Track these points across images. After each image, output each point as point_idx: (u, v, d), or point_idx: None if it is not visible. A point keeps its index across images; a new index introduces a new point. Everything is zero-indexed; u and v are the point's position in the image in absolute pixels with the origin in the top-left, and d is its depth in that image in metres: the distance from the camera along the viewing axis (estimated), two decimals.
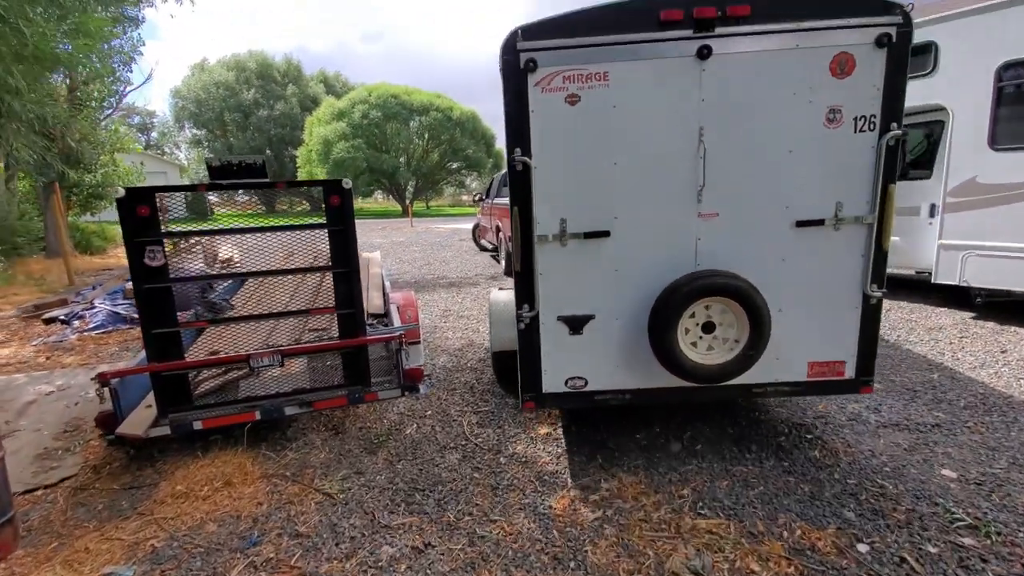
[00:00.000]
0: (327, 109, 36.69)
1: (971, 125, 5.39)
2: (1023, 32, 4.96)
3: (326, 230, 3.27)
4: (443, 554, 2.37)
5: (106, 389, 3.00)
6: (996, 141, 5.23)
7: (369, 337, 3.45)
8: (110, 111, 14.37)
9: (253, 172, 2.91)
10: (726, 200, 2.73)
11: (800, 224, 2.73)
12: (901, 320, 5.84)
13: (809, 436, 3.28)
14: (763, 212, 2.73)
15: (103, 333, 6.72)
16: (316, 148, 35.25)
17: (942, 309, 6.16)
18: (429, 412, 3.87)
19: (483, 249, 13.69)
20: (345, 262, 3.28)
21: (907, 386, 4.04)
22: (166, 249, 3.09)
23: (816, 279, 2.80)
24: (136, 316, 5.76)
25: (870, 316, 2.82)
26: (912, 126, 6.37)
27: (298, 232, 3.32)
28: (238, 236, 3.31)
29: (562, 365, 2.93)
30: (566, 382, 2.95)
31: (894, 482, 2.79)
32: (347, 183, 3.15)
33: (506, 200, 10.47)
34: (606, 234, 2.77)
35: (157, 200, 3.05)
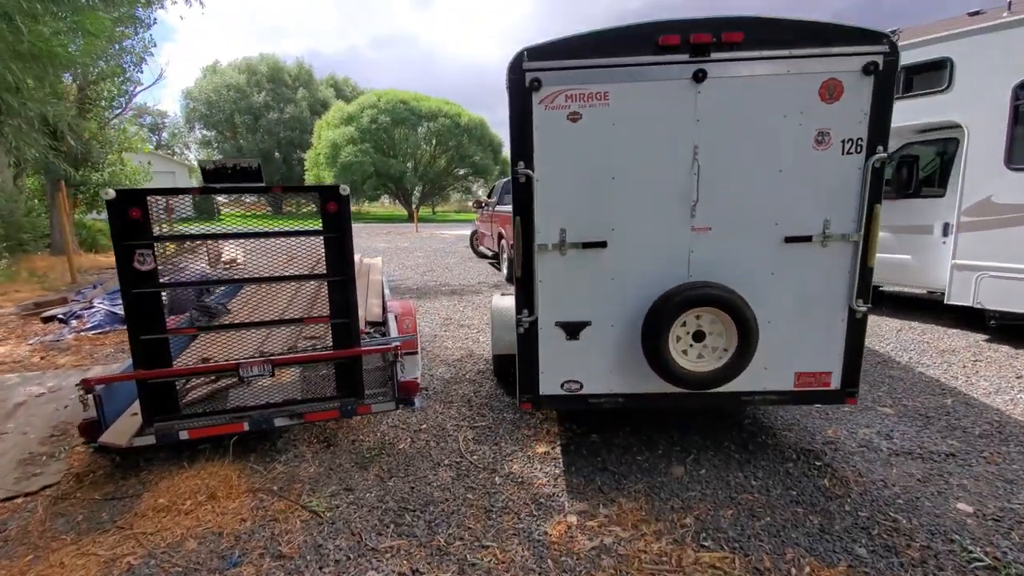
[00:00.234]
0: (336, 113, 36.87)
1: (987, 143, 5.26)
2: None
3: (322, 237, 3.18)
4: None
5: (90, 396, 2.91)
6: (1013, 160, 5.11)
7: (363, 348, 3.35)
8: (119, 111, 14.42)
9: (248, 176, 2.82)
10: (718, 215, 2.84)
11: (789, 240, 2.84)
12: (912, 341, 5.69)
13: (818, 463, 3.15)
14: (754, 227, 2.85)
15: (100, 333, 6.65)
16: (324, 151, 35.38)
17: (954, 331, 6.00)
18: (424, 426, 3.76)
19: (481, 256, 13.62)
20: (340, 270, 3.18)
21: (920, 411, 3.90)
22: (169, 248, 3.01)
23: (803, 293, 2.91)
24: None
25: (855, 330, 2.92)
26: (925, 143, 6.26)
27: (293, 238, 3.23)
28: (235, 239, 3.23)
29: (559, 368, 3.04)
30: (562, 385, 3.06)
31: (908, 516, 2.65)
32: (344, 189, 3.07)
33: (509, 208, 10.49)
34: (603, 245, 2.89)
35: (149, 203, 2.98)
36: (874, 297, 7.23)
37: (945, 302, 5.74)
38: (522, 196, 2.83)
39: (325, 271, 3.23)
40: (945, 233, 5.81)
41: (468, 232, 15.39)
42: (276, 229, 3.17)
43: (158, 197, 3.02)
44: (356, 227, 30.27)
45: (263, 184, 2.92)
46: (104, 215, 16.31)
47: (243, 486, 2.99)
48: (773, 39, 2.65)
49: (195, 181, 35.29)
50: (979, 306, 5.42)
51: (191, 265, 4.50)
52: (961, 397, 4.16)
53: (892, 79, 2.67)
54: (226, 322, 4.06)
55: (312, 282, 4.66)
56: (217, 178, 2.80)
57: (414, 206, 38.05)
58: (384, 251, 15.88)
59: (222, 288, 4.98)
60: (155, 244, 2.98)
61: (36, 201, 14.81)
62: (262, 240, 3.23)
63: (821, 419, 3.77)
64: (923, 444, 3.40)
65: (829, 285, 2.88)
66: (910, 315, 6.73)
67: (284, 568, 2.35)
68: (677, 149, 2.79)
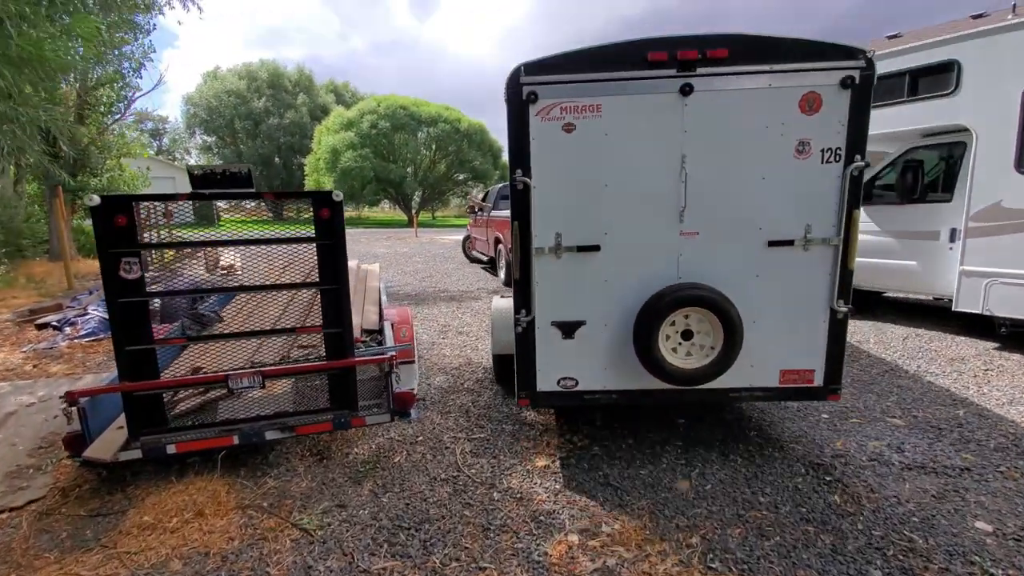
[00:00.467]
0: (336, 119, 36.88)
1: (996, 147, 5.17)
2: None
3: (314, 244, 3.08)
4: None
5: (74, 409, 2.81)
6: (1023, 164, 5.01)
7: (357, 359, 3.25)
8: (118, 116, 14.38)
9: (237, 181, 2.73)
10: (705, 220, 2.99)
11: (772, 244, 2.98)
12: (920, 349, 5.58)
13: (828, 478, 3.04)
14: (739, 232, 2.99)
15: (94, 340, 6.55)
16: (324, 157, 35.36)
17: (963, 338, 5.89)
18: (421, 437, 3.65)
19: (474, 261, 13.56)
20: (334, 279, 3.09)
21: (931, 423, 3.79)
22: (168, 255, 2.92)
23: (787, 294, 3.05)
24: None
25: (837, 329, 3.06)
26: (930, 147, 6.17)
27: (285, 246, 3.13)
28: (223, 246, 3.14)
29: (555, 366, 3.18)
30: (558, 382, 3.20)
31: (924, 535, 2.54)
32: (338, 195, 2.98)
33: (505, 213, 10.52)
34: (597, 248, 3.04)
35: (141, 208, 2.89)
36: (875, 303, 7.17)
37: (953, 309, 5.62)
38: (520, 202, 2.96)
39: (318, 279, 3.13)
40: (952, 239, 5.70)
41: None
42: (266, 236, 3.07)
43: (145, 203, 2.93)
44: (356, 232, 30.19)
45: (253, 190, 2.83)
46: None
47: (232, 502, 2.88)
48: (755, 55, 2.80)
49: None
50: (989, 313, 5.31)
51: (188, 271, 4.41)
52: (973, 408, 4.04)
53: (869, 92, 2.81)
54: (218, 330, 3.96)
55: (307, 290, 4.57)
56: (205, 183, 2.71)
57: (414, 211, 37.98)
58: (383, 256, 15.81)
59: (213, 296, 4.89)
60: (145, 251, 2.90)
61: (37, 207, 14.75)
62: (258, 246, 3.14)
63: (829, 431, 3.66)
64: (936, 458, 3.28)
65: (811, 287, 3.02)
66: (915, 322, 6.63)
67: None
68: (666, 158, 2.93)
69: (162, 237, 3.23)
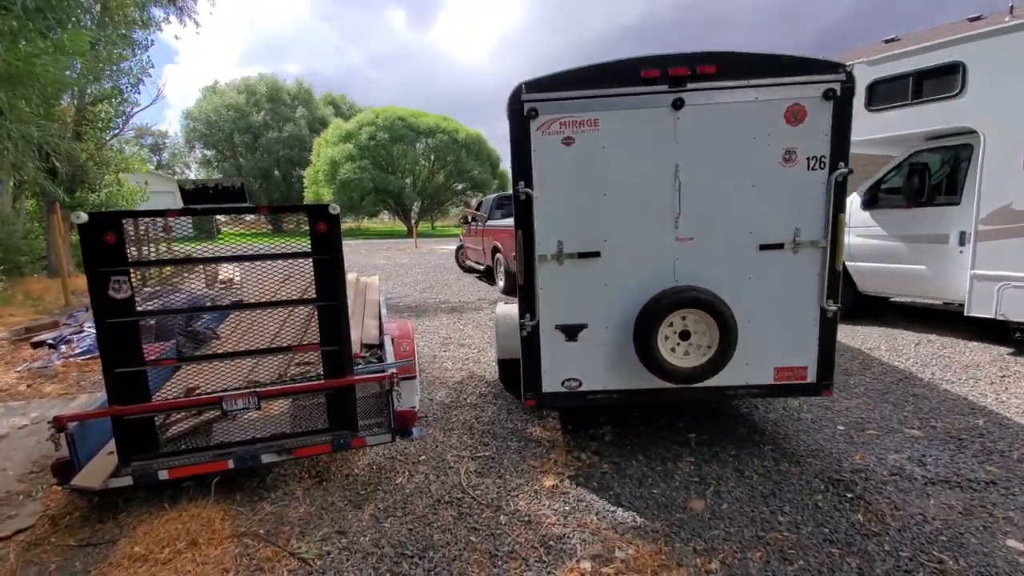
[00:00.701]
0: (335, 131, 36.99)
1: (1005, 149, 5.07)
2: None
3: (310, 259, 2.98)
4: None
5: (62, 435, 2.70)
6: None
7: (356, 377, 3.13)
8: (116, 131, 14.37)
9: (230, 196, 2.64)
10: (699, 226, 3.13)
11: (763, 247, 3.12)
12: (933, 355, 5.45)
13: (849, 495, 2.91)
14: (731, 237, 3.13)
15: (90, 358, 6.43)
16: (323, 169, 35.42)
17: (975, 344, 5.77)
18: (423, 456, 3.53)
19: (468, 271, 13.49)
20: (331, 294, 2.98)
21: (951, 433, 3.66)
22: (163, 270, 2.82)
23: (779, 295, 3.17)
24: None
25: (827, 327, 3.18)
26: (935, 150, 6.08)
27: (280, 261, 3.03)
28: (216, 263, 3.03)
29: (559, 368, 3.30)
30: (563, 383, 3.32)
31: (954, 555, 2.41)
32: (334, 208, 2.88)
33: (503, 222, 10.51)
34: (597, 255, 3.18)
35: (133, 225, 2.79)
36: (880, 308, 7.04)
37: (965, 314, 5.51)
38: (523, 212, 3.10)
39: (315, 295, 3.03)
40: (962, 242, 5.60)
41: None
42: (262, 252, 2.97)
43: (138, 219, 2.83)
44: (356, 244, 30.07)
45: (247, 204, 2.73)
46: None
47: (227, 530, 2.76)
48: (742, 70, 2.95)
49: None
50: (1002, 318, 5.20)
51: (187, 285, 4.31)
52: (993, 417, 3.92)
53: (850, 103, 2.96)
54: (212, 350, 3.85)
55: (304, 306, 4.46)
56: (197, 198, 2.61)
57: (413, 221, 37.98)
58: (383, 267, 15.73)
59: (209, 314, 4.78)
60: (134, 269, 2.80)
61: (35, 223, 14.69)
62: (255, 262, 3.03)
63: (846, 444, 3.54)
64: (959, 471, 3.16)
65: (801, 287, 3.14)
66: (926, 327, 6.51)
67: None
68: (660, 168, 3.08)
69: (161, 251, 3.14)
